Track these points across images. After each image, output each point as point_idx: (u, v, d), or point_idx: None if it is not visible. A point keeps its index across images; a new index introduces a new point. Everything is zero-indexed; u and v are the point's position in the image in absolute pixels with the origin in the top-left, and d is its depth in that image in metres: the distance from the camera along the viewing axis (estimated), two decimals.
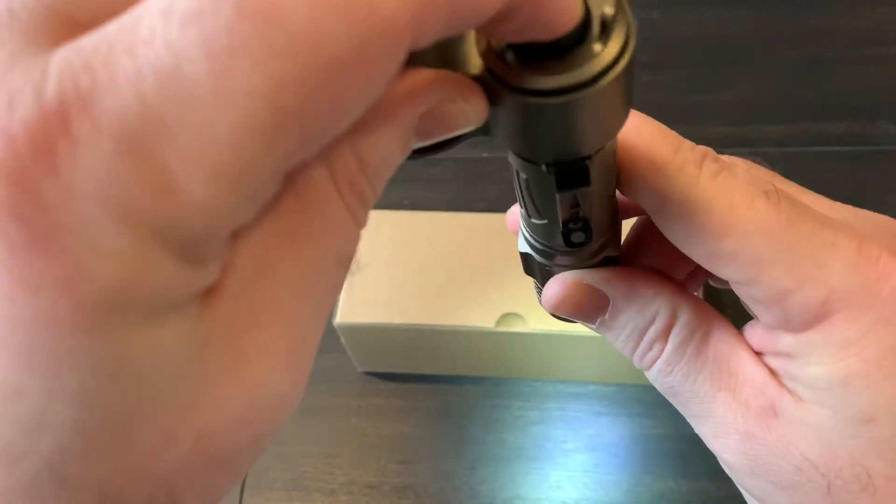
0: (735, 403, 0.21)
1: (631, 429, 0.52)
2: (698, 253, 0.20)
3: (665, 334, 0.22)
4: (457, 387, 0.54)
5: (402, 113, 0.15)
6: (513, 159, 0.19)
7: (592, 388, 0.53)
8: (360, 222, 0.15)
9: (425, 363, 0.53)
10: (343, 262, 0.15)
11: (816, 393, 0.20)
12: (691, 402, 0.22)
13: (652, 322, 0.22)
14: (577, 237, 0.21)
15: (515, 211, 0.25)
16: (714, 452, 0.22)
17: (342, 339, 0.50)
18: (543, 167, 0.18)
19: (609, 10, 0.15)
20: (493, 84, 0.16)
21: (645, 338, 0.22)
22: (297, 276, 0.14)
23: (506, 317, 0.47)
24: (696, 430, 0.22)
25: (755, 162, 0.23)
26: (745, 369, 0.21)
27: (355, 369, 0.54)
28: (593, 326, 0.24)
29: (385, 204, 0.62)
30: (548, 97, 0.16)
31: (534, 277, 0.26)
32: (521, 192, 0.20)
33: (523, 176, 0.19)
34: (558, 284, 0.23)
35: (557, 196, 0.19)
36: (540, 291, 0.26)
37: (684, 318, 0.22)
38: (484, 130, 0.18)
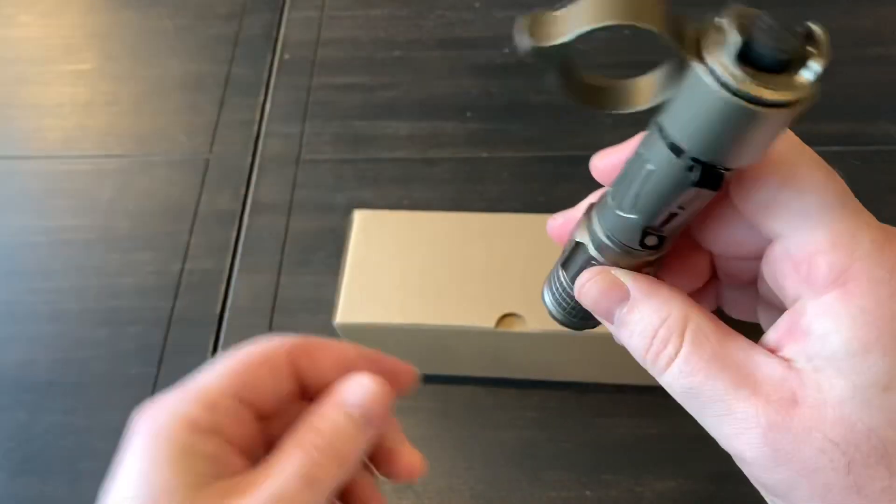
0: (755, 398, 0.21)
1: (631, 429, 0.51)
2: (754, 200, 0.22)
3: (678, 334, 0.23)
4: (457, 387, 0.54)
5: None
6: (650, 149, 0.21)
7: (592, 388, 0.53)
8: (310, 478, 0.25)
9: (425, 363, 0.52)
10: (302, 480, 0.25)
11: (836, 364, 0.21)
12: (711, 402, 0.22)
13: (665, 320, 0.23)
14: (651, 241, 0.23)
15: (558, 218, 0.28)
16: (733, 452, 0.22)
17: (342, 339, 0.50)
18: (690, 161, 0.20)
19: (819, 47, 0.19)
20: (698, 71, 0.18)
21: (658, 335, 0.23)
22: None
23: (506, 317, 0.47)
24: (714, 433, 0.23)
25: None
26: (762, 367, 0.22)
27: None
28: (612, 327, 0.25)
29: (385, 204, 0.62)
30: (755, 104, 0.18)
31: (567, 270, 0.27)
32: (634, 182, 0.22)
33: (650, 167, 0.21)
34: (589, 271, 0.25)
35: (692, 191, 0.21)
36: (557, 283, 0.28)
37: (697, 321, 0.23)
38: (653, 111, 0.20)
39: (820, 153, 0.22)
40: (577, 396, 0.53)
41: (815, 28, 0.19)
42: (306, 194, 0.64)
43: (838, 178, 0.22)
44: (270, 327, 0.57)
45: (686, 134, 0.20)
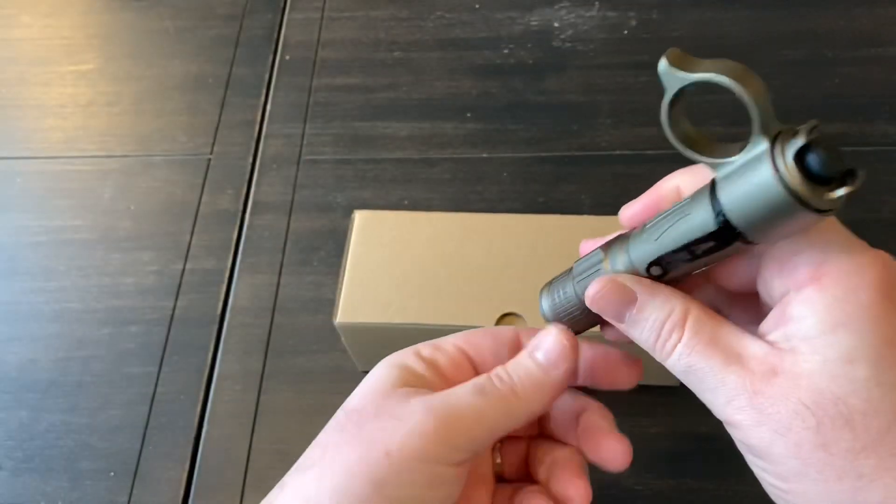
0: (743, 371, 0.26)
1: (630, 428, 0.51)
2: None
3: (681, 324, 0.27)
4: None
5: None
6: (698, 196, 0.26)
7: (592, 388, 0.53)
8: (482, 389, 0.30)
9: None
10: (473, 388, 0.30)
11: (810, 342, 0.25)
12: (706, 377, 0.26)
13: (670, 315, 0.28)
14: (656, 271, 0.28)
15: (629, 210, 0.32)
16: (725, 419, 0.27)
17: (342, 339, 0.50)
18: (720, 217, 0.24)
19: (854, 182, 0.22)
20: (764, 148, 0.23)
21: (664, 327, 0.28)
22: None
23: (506, 317, 0.47)
24: (710, 403, 0.27)
25: None
26: (749, 347, 0.26)
27: (355, 369, 0.54)
28: (623, 326, 0.29)
29: (385, 204, 0.62)
30: (799, 202, 0.22)
31: (576, 267, 0.32)
32: (668, 217, 0.27)
33: (688, 213, 0.26)
34: (600, 280, 0.29)
35: (706, 239, 0.25)
36: (560, 289, 0.32)
37: (696, 311, 0.28)
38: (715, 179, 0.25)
39: None
40: None
41: (859, 171, 0.22)
42: (307, 194, 0.64)
43: None
44: (271, 327, 0.58)
45: (727, 191, 0.24)
